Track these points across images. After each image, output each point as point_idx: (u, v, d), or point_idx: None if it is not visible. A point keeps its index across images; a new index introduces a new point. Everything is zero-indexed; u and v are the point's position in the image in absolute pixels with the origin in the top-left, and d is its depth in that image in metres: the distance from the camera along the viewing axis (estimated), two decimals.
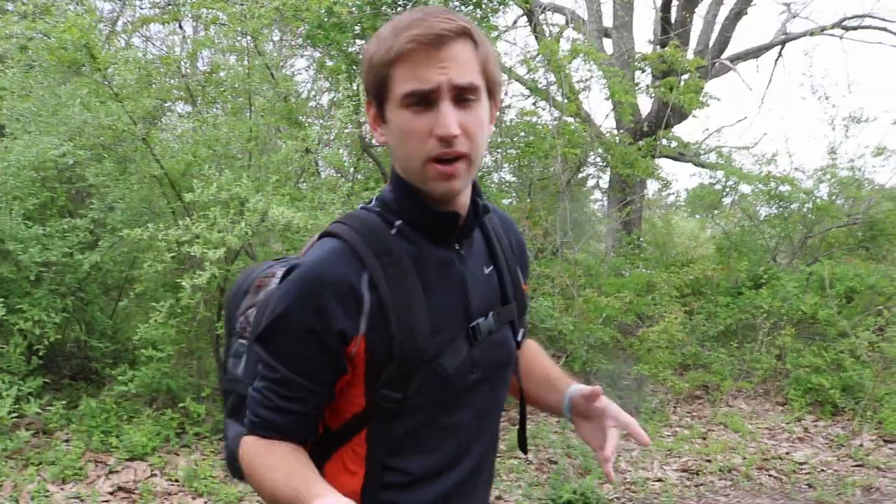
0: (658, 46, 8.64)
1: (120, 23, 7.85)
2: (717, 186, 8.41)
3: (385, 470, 1.24)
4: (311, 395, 1.20)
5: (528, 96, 7.08)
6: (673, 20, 9.41)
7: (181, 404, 4.67)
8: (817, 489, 4.73)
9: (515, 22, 10.56)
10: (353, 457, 1.24)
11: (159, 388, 4.75)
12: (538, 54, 7.35)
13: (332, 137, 5.89)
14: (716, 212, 8.49)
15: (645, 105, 9.08)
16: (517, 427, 1.52)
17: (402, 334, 1.17)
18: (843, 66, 16.04)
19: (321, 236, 1.25)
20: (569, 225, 6.66)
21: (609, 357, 6.19)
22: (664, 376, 6.02)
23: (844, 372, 6.13)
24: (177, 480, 4.19)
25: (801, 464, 5.15)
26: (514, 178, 8.18)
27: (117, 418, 4.56)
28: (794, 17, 11.55)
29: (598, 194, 10.20)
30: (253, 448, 1.22)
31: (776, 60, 10.94)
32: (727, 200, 8.78)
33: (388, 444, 1.23)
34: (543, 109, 7.25)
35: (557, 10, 11.22)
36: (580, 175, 7.88)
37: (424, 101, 1.13)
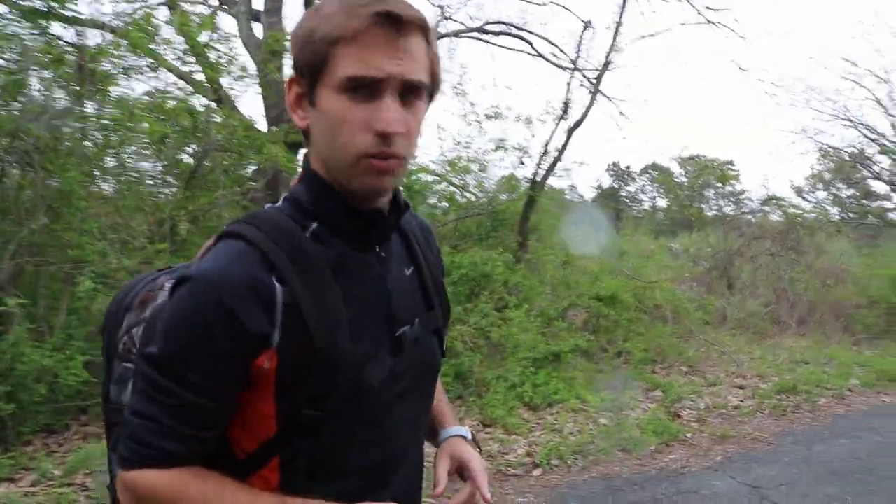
0: None
1: None
2: None
3: (305, 496, 1.05)
4: (218, 416, 1.04)
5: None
6: None
7: None
8: None
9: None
10: (266, 486, 1.07)
11: None
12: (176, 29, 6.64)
13: None
14: None
15: None
16: None
17: (323, 339, 1.02)
18: (488, 68, 18.23)
19: (219, 238, 1.06)
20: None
21: None
22: None
23: (457, 359, 6.21)
24: None
25: None
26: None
27: None
28: (446, 19, 12.09)
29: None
30: (161, 487, 1.01)
31: None
32: None
33: (305, 471, 1.08)
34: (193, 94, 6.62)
35: None
36: (207, 163, 7.11)
37: (368, 90, 1.00)
